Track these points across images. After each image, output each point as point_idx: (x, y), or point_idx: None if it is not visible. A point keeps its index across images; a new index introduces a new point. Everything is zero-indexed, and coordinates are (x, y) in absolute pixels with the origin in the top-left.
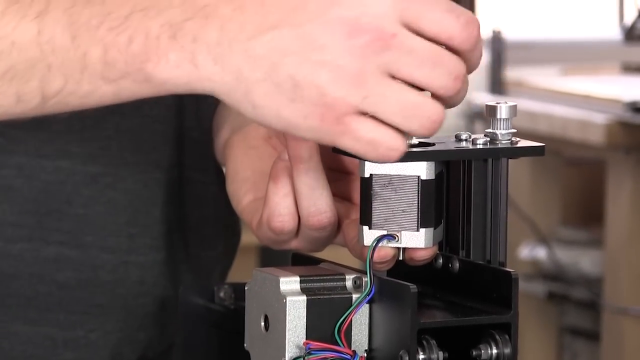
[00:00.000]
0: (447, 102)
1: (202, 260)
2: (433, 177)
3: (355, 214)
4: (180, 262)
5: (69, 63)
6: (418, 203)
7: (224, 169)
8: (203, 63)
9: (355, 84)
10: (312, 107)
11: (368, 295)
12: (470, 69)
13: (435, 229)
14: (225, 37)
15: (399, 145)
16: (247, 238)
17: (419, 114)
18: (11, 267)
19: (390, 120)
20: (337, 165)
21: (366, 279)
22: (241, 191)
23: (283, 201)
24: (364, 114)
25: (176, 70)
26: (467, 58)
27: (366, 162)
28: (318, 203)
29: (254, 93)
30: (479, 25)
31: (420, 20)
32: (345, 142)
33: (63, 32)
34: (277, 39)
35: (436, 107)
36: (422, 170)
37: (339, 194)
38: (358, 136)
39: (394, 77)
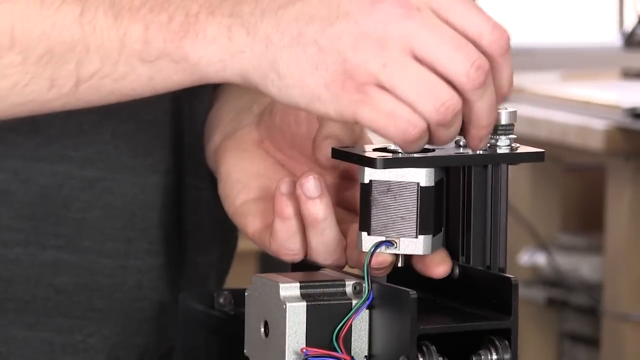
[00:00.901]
0: (468, 97)
1: (197, 266)
2: (432, 184)
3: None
4: (177, 267)
5: (108, 43)
6: (417, 210)
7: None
8: (237, 35)
9: (376, 51)
10: (333, 73)
11: (366, 302)
12: (499, 84)
13: (434, 236)
14: (258, 9)
15: (417, 121)
16: (247, 244)
17: (435, 94)
18: (8, 271)
19: (405, 95)
20: (347, 173)
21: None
22: (233, 192)
23: (292, 238)
24: (383, 88)
25: (212, 45)
26: (495, 66)
27: (366, 168)
28: (332, 254)
29: (280, 61)
30: (509, 37)
31: (449, 11)
32: (365, 113)
33: (105, 12)
34: (305, 7)
35: (453, 94)
36: (422, 177)
37: (344, 204)
38: (378, 107)
39: (415, 57)
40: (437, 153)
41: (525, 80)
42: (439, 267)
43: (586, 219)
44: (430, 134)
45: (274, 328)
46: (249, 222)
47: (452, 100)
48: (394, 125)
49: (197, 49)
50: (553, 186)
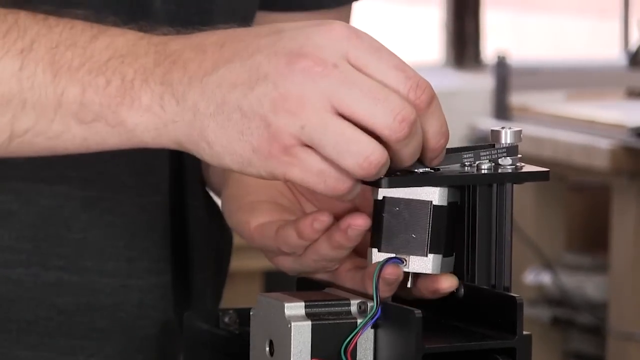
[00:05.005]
0: (393, 147)
1: (194, 282)
2: (445, 203)
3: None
4: (177, 285)
5: (45, 100)
6: (428, 228)
7: (214, 196)
8: (168, 104)
9: (295, 112)
10: (259, 138)
11: (374, 317)
12: (427, 134)
13: (444, 256)
14: (185, 76)
15: (344, 180)
16: (252, 263)
17: (355, 150)
18: (10, 292)
19: (326, 153)
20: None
21: (371, 304)
22: (241, 192)
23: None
24: (310, 147)
25: (147, 114)
26: (421, 115)
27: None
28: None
29: (208, 129)
30: (430, 91)
31: (366, 67)
32: (295, 174)
33: (45, 70)
34: (228, 72)
35: (375, 147)
36: (435, 196)
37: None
38: (306, 167)
39: (338, 113)
40: (442, 172)
41: (529, 99)
42: (445, 281)
43: (591, 238)
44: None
45: (279, 347)
46: (254, 217)
47: (374, 154)
48: (324, 183)
49: (132, 116)
50: (558, 205)
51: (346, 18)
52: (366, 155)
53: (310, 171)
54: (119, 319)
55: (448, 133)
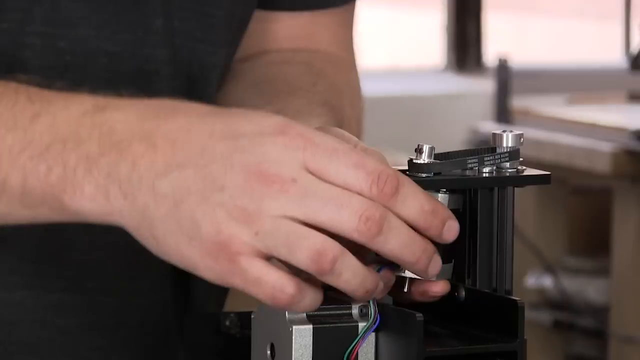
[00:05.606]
0: (372, 247)
1: (195, 290)
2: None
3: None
4: (180, 299)
5: None
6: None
7: None
8: (114, 198)
9: (249, 222)
10: (208, 246)
11: (373, 325)
12: (409, 217)
13: (442, 263)
14: (135, 174)
15: (284, 286)
16: None
17: (305, 245)
18: (12, 314)
19: (277, 253)
20: None
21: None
22: None
23: None
24: (262, 254)
25: (90, 202)
26: (392, 207)
27: None
28: None
29: (157, 229)
30: (393, 178)
31: (325, 173)
32: (236, 282)
33: None
34: (182, 179)
35: (326, 240)
36: None
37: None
38: (246, 277)
39: (302, 223)
40: (443, 176)
41: (531, 103)
42: (437, 285)
43: (593, 241)
44: (323, 283)
45: (280, 351)
46: None
47: (324, 246)
48: (261, 291)
49: (75, 204)
50: (559, 209)
51: (350, 16)
52: (316, 249)
53: (248, 280)
54: (121, 337)
55: (438, 209)
